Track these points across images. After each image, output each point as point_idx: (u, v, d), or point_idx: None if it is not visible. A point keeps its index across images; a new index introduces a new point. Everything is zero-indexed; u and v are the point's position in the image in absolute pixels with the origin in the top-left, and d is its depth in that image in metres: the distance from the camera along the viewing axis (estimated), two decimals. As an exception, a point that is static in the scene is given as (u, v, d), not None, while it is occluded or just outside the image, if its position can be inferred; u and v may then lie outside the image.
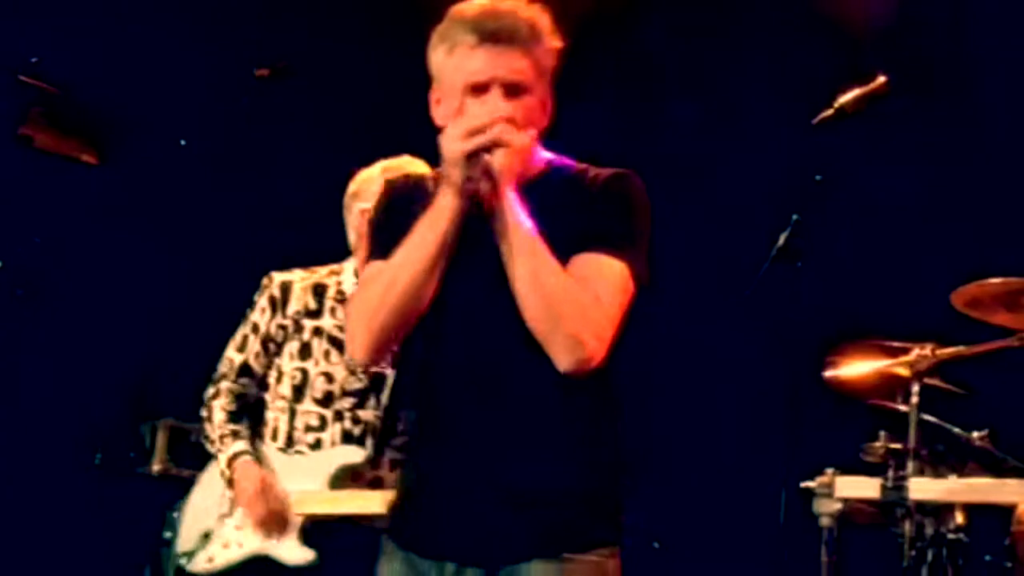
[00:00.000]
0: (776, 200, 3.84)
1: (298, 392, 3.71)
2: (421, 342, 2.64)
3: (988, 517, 3.78)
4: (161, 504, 4.51)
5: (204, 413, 3.78)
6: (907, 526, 3.56)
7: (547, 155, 2.72)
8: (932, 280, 3.92)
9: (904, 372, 3.80)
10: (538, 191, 2.61)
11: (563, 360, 2.52)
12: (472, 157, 2.51)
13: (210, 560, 3.70)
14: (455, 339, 2.60)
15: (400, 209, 2.66)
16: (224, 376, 3.80)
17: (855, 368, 3.97)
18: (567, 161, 2.73)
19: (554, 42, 2.66)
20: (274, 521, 3.60)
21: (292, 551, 3.59)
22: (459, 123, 2.54)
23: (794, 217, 3.70)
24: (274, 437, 3.72)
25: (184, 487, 4.05)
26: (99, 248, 5.34)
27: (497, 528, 2.55)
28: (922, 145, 5.14)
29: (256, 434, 3.77)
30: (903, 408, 3.77)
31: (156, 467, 5.00)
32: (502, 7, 2.62)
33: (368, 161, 3.82)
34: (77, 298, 5.31)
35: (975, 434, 3.83)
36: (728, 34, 5.44)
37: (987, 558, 3.85)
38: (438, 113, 2.66)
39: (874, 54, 3.62)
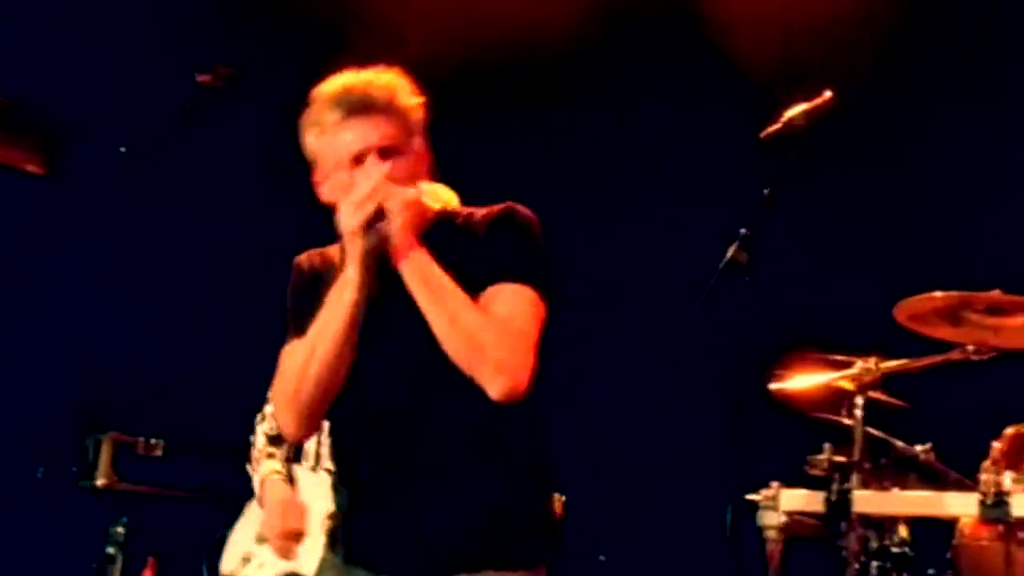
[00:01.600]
0: (724, 214, 3.85)
1: None
2: (351, 390, 2.75)
3: (931, 530, 3.81)
4: (105, 519, 4.47)
5: (251, 438, 3.83)
6: (851, 539, 3.58)
7: (433, 207, 2.84)
8: (877, 294, 3.94)
9: (848, 385, 3.83)
10: (430, 241, 2.75)
11: (494, 389, 2.66)
12: (368, 227, 2.67)
13: None
14: (381, 385, 2.73)
15: (310, 288, 2.81)
16: (268, 400, 3.83)
17: (800, 381, 3.99)
18: (452, 209, 2.88)
19: (414, 99, 2.82)
20: (290, 537, 3.62)
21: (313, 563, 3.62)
22: (347, 200, 2.70)
23: (742, 231, 3.72)
24: (306, 457, 3.77)
25: (129, 502, 4.02)
26: (44, 259, 5.28)
27: (430, 550, 2.69)
28: (868, 160, 5.18)
29: (296, 456, 3.81)
30: (847, 421, 3.79)
31: (100, 481, 4.96)
32: (358, 80, 2.79)
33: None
34: (20, 310, 5.26)
35: (918, 447, 3.86)
36: (678, 49, 5.46)
37: (930, 571, 3.88)
38: (323, 192, 2.81)
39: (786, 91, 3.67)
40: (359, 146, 2.74)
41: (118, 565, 4.41)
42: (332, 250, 2.89)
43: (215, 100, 4.58)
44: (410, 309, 2.69)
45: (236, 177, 5.50)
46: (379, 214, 2.68)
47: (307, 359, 2.71)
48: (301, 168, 3.74)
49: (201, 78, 4.63)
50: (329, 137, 2.76)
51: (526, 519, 2.75)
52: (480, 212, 2.84)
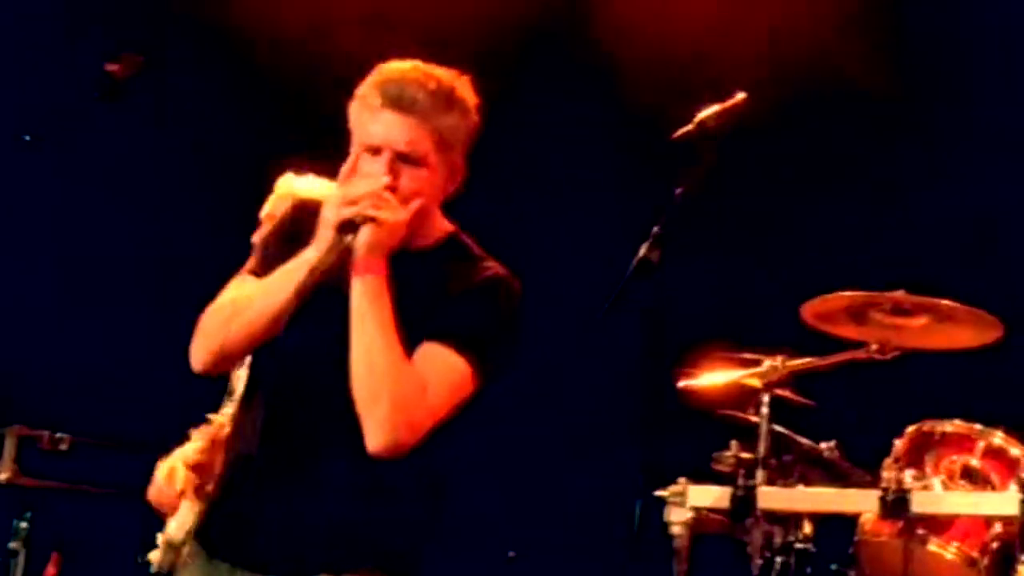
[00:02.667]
0: (637, 213, 3.89)
1: None
2: (262, 365, 2.73)
3: (835, 526, 3.88)
4: (8, 513, 4.40)
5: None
6: (755, 535, 3.63)
7: (448, 226, 2.79)
8: (785, 293, 4.00)
9: (756, 383, 3.87)
10: (427, 261, 2.70)
11: (371, 440, 2.61)
12: (345, 225, 2.60)
13: None
14: (295, 366, 2.68)
15: (294, 235, 2.73)
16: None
17: (708, 379, 4.04)
18: (466, 239, 2.80)
19: (470, 113, 2.71)
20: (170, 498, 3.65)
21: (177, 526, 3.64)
22: (343, 189, 2.63)
23: (654, 230, 3.75)
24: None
25: (33, 497, 3.96)
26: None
27: (296, 548, 2.65)
28: (777, 161, 5.24)
29: None
30: (754, 419, 3.84)
31: (3, 475, 4.88)
32: (417, 74, 2.67)
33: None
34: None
35: (823, 445, 3.92)
36: (587, 48, 5.49)
37: (832, 567, 3.94)
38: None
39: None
40: (379, 140, 2.64)
41: (21, 560, 4.33)
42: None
43: (125, 89, 4.52)
44: (342, 319, 2.63)
45: (145, 170, 5.44)
46: (356, 226, 2.60)
47: (242, 309, 2.66)
48: (208, 162, 3.72)
49: (110, 67, 4.56)
50: (364, 118, 2.66)
51: (402, 533, 2.71)
52: (484, 264, 2.74)
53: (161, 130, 5.46)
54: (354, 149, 2.69)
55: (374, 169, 2.63)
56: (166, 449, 4.00)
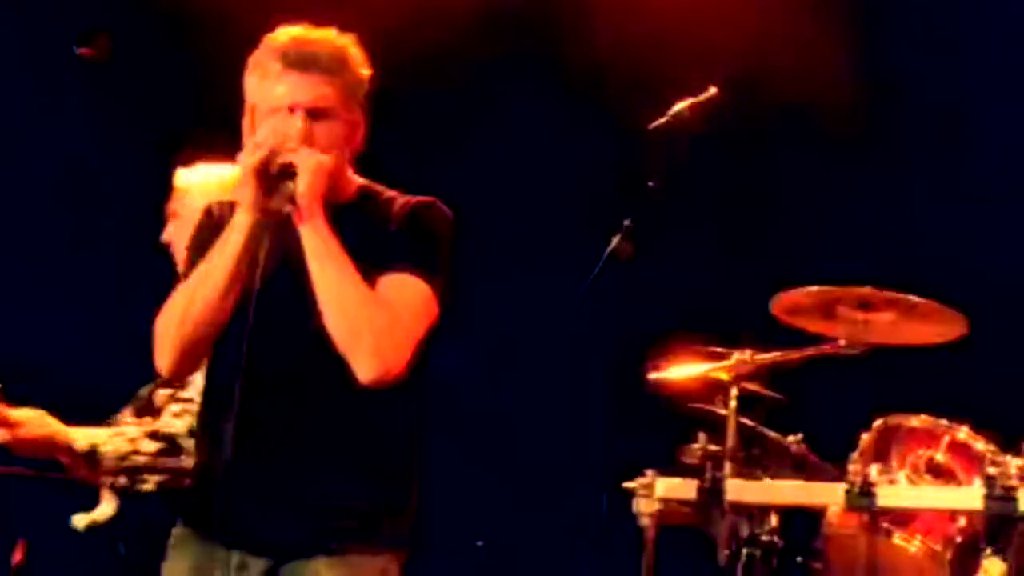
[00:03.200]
0: (609, 205, 3.90)
1: None
2: (228, 348, 2.72)
3: (801, 519, 3.90)
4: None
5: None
6: (722, 526, 3.65)
7: (359, 180, 2.86)
8: (755, 287, 4.02)
9: (724, 376, 3.90)
10: (348, 215, 2.74)
11: (362, 372, 2.66)
12: (276, 180, 2.64)
13: None
14: (258, 344, 2.69)
15: (213, 234, 2.77)
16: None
17: (677, 371, 4.05)
18: (378, 187, 2.86)
19: (363, 69, 2.80)
20: None
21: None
22: (249, 142, 2.69)
23: (625, 222, 3.77)
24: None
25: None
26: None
27: (284, 525, 2.69)
28: (749, 155, 5.27)
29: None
30: (722, 411, 3.86)
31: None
32: (311, 36, 2.76)
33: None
34: None
35: (790, 438, 3.95)
36: (563, 38, 5.49)
37: (799, 559, 3.97)
38: (250, 137, 2.76)
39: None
40: (290, 100, 2.70)
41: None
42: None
43: (97, 71, 4.50)
44: (302, 278, 2.67)
45: (102, 156, 5.41)
46: (291, 174, 2.64)
47: (191, 297, 2.69)
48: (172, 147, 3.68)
49: (82, 50, 4.53)
50: (267, 84, 2.72)
51: (383, 507, 2.74)
52: (402, 199, 2.82)
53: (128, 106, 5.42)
54: (260, 121, 2.73)
55: (287, 126, 2.69)
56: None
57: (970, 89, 5.07)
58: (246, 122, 2.77)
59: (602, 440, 4.23)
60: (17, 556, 4.38)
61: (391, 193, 2.85)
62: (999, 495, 3.06)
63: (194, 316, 2.68)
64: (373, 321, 2.65)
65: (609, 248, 3.78)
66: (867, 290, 3.77)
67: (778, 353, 3.91)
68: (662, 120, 3.78)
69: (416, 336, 2.72)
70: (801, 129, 5.19)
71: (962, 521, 3.63)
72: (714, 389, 3.98)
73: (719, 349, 3.96)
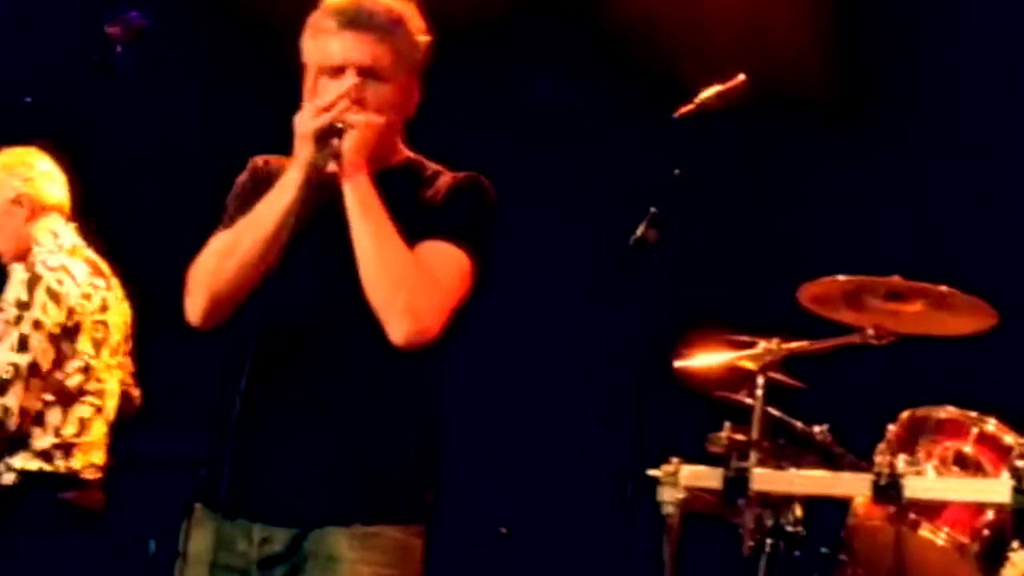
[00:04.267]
0: (635, 192, 3.89)
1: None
2: (253, 309, 2.68)
3: (826, 510, 3.88)
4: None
5: None
6: (747, 516, 3.63)
7: (409, 152, 2.84)
8: (782, 275, 4.00)
9: (750, 365, 3.87)
10: (393, 182, 2.71)
11: (398, 330, 2.63)
12: (323, 138, 2.62)
13: None
14: (286, 310, 2.66)
15: (258, 188, 2.74)
16: None
17: (704, 360, 4.04)
18: (424, 160, 2.85)
19: (420, 36, 2.77)
20: None
21: None
22: (309, 103, 2.66)
23: (652, 209, 3.75)
24: None
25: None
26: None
27: (305, 494, 2.66)
28: (777, 142, 5.24)
29: None
30: (748, 401, 3.84)
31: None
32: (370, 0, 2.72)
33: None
34: None
35: (816, 428, 3.92)
36: (590, 25, 5.48)
37: (823, 550, 3.95)
38: (306, 99, 2.73)
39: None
40: (340, 59, 2.69)
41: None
42: (286, 162, 2.79)
43: (126, 52, 4.50)
44: (340, 236, 2.65)
45: (147, 144, 5.43)
46: (338, 131, 2.63)
47: (231, 248, 2.66)
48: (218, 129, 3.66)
49: (110, 29, 4.54)
50: (321, 42, 2.71)
51: (405, 475, 2.71)
52: (447, 173, 2.81)
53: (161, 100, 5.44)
54: (314, 79, 2.72)
55: (340, 86, 2.67)
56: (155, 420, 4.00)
57: (1003, 78, 5.04)
58: (306, 83, 2.74)
59: (627, 428, 4.22)
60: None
61: (436, 167, 2.84)
62: (1027, 488, 3.04)
63: (232, 267, 2.65)
64: (411, 280, 2.63)
65: (635, 235, 3.76)
66: (895, 280, 3.73)
67: (805, 343, 3.88)
68: (688, 107, 3.75)
69: (451, 303, 2.69)
70: (833, 117, 5.17)
71: (990, 514, 3.60)
72: (741, 378, 3.96)
73: (746, 338, 3.94)
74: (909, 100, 5.13)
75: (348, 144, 2.63)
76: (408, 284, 2.62)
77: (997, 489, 3.19)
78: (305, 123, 2.64)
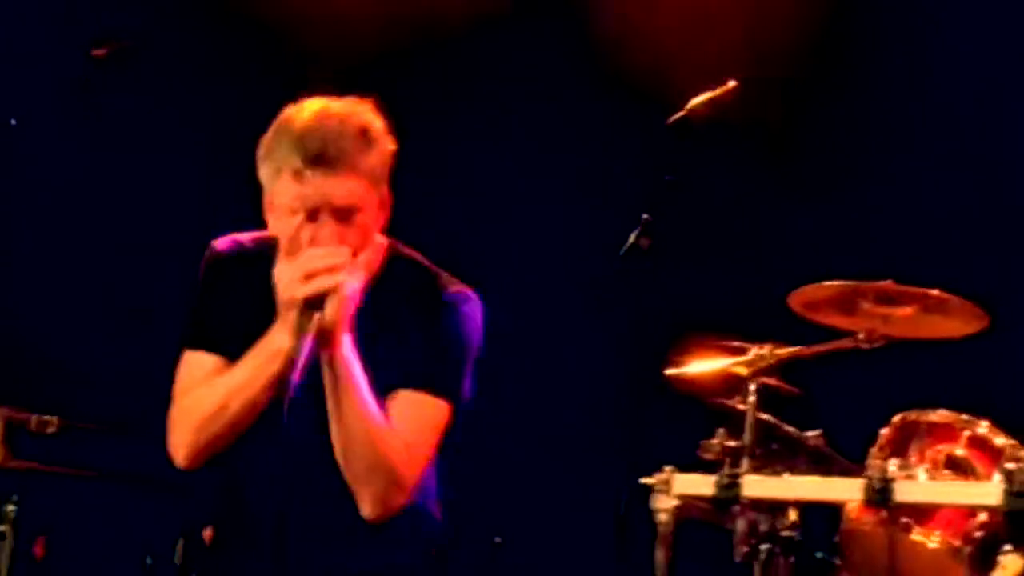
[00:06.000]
0: (628, 199, 3.90)
1: None
2: (239, 449, 2.70)
3: (820, 515, 3.89)
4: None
5: None
6: (741, 522, 3.63)
7: (384, 242, 2.73)
8: (774, 281, 4.01)
9: (743, 371, 3.88)
10: (379, 289, 2.66)
11: (367, 510, 2.64)
12: (309, 306, 2.52)
13: None
14: (274, 449, 2.66)
15: (227, 284, 2.70)
16: None
17: (696, 367, 4.04)
18: (409, 252, 2.75)
19: (387, 145, 2.62)
20: None
21: None
22: (295, 265, 2.52)
23: (644, 216, 3.77)
24: None
25: (20, 479, 3.97)
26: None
27: None
28: (768, 148, 5.25)
29: None
30: (740, 407, 3.85)
31: (-10, 458, 4.88)
32: (329, 118, 2.54)
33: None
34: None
35: (809, 433, 3.93)
36: (581, 32, 5.49)
37: (818, 555, 3.96)
38: (270, 219, 2.64)
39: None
40: (314, 202, 2.53)
41: (8, 543, 4.34)
42: (250, 242, 2.75)
43: (110, 73, 4.51)
44: (317, 391, 2.63)
45: (135, 152, 5.43)
46: (318, 300, 2.52)
47: (220, 409, 2.64)
48: (197, 145, 3.68)
49: (96, 52, 4.54)
50: (285, 182, 2.55)
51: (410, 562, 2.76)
52: (443, 281, 2.72)
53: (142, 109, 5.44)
54: (280, 213, 2.58)
55: (321, 235, 2.54)
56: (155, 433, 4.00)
57: (998, 77, 5.04)
58: (265, 203, 2.64)
59: (621, 436, 4.22)
60: (37, 551, 4.40)
61: (428, 268, 2.73)
62: (1019, 491, 3.04)
63: (219, 426, 2.65)
64: (385, 465, 2.61)
65: (627, 243, 3.77)
66: (887, 284, 3.75)
67: (797, 348, 3.89)
68: (680, 114, 3.77)
69: (424, 465, 2.69)
70: (823, 120, 5.18)
71: (982, 517, 3.61)
72: (733, 384, 3.96)
73: (738, 344, 3.95)
74: (900, 99, 5.14)
75: (330, 315, 2.51)
76: (383, 470, 2.61)
77: (989, 492, 3.19)
78: (292, 290, 2.51)
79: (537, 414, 5.33)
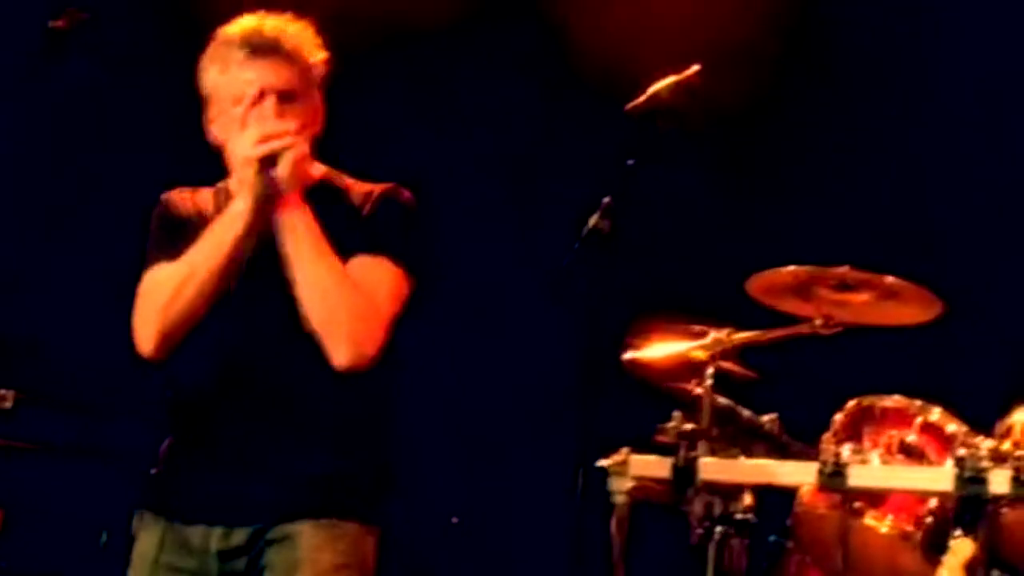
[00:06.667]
0: (588, 183, 3.90)
1: None
2: (201, 337, 2.77)
3: (776, 498, 3.92)
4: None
5: None
6: (697, 505, 3.66)
7: (322, 168, 2.92)
8: (732, 266, 4.03)
9: (700, 355, 3.91)
10: (314, 200, 2.80)
11: (338, 357, 2.72)
12: (265, 166, 2.71)
13: None
14: (231, 331, 2.76)
15: (178, 224, 2.84)
16: None
17: (654, 350, 4.06)
18: (337, 174, 2.94)
19: (319, 54, 2.88)
20: None
21: None
22: (248, 132, 2.74)
23: (604, 200, 3.77)
24: None
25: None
26: None
27: (264, 495, 2.74)
28: (729, 135, 5.27)
29: None
30: (697, 390, 3.87)
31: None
32: (267, 24, 2.84)
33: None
34: None
35: (765, 417, 3.96)
36: (539, 21, 5.48)
37: (771, 538, 3.99)
38: (213, 131, 2.85)
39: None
40: (260, 85, 2.77)
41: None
42: (202, 195, 2.92)
43: (67, 45, 4.47)
44: (273, 261, 2.73)
45: (94, 122, 5.39)
46: (274, 160, 2.71)
47: (186, 279, 2.72)
48: (141, 114, 3.67)
49: (53, 24, 4.50)
50: (231, 74, 2.79)
51: (360, 480, 2.80)
52: (363, 186, 2.89)
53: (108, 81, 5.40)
54: (226, 109, 2.80)
55: (267, 111, 2.75)
56: (110, 408, 3.99)
57: (962, 71, 5.08)
58: (210, 115, 2.84)
59: (578, 417, 4.23)
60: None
61: (350, 180, 2.92)
62: (970, 476, 3.08)
63: (188, 297, 2.72)
64: (350, 307, 2.71)
65: (588, 226, 3.78)
66: (844, 270, 3.78)
67: (754, 333, 3.91)
68: (640, 99, 3.77)
69: (388, 321, 2.78)
70: (783, 107, 5.20)
71: (933, 502, 3.65)
72: (691, 368, 3.99)
73: (696, 328, 3.97)
74: (861, 87, 5.18)
75: (284, 171, 2.71)
76: (347, 311, 2.71)
77: (940, 477, 3.23)
78: (249, 150, 2.71)
79: (494, 395, 5.35)
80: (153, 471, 2.86)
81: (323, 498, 2.75)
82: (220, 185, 2.91)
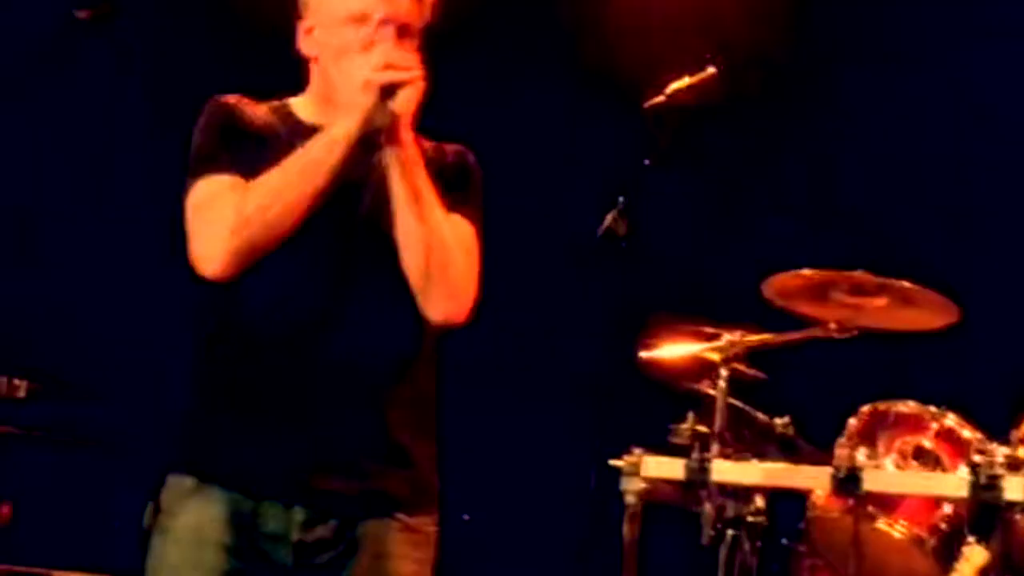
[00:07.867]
0: (605, 182, 3.90)
1: None
2: (259, 281, 2.51)
3: (787, 501, 3.92)
4: None
5: None
6: (708, 507, 3.66)
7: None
8: (748, 269, 4.03)
9: (714, 357, 3.90)
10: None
11: (436, 309, 2.52)
12: (385, 95, 2.46)
13: None
14: (302, 285, 2.51)
15: (243, 133, 2.56)
16: None
17: (668, 351, 4.06)
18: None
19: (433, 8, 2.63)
20: None
21: None
22: (371, 55, 2.48)
23: (620, 199, 3.77)
24: None
25: None
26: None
27: (349, 488, 2.51)
28: (748, 137, 5.27)
29: None
30: (711, 392, 3.87)
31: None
32: None
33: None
34: None
35: (778, 420, 3.96)
36: (558, 18, 5.48)
37: (783, 541, 3.99)
38: (308, 43, 2.60)
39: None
40: (385, 12, 2.52)
41: (-26, 505, 4.33)
42: (260, 109, 2.64)
43: (94, 35, 4.47)
44: (353, 210, 2.52)
45: (112, 111, 5.40)
46: (390, 90, 2.46)
47: (276, 193, 2.44)
48: (175, 105, 3.66)
49: (80, 14, 4.52)
50: None
51: (430, 464, 2.61)
52: (435, 144, 2.68)
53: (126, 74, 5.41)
54: (330, 24, 2.55)
55: (388, 41, 2.51)
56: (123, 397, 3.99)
57: (978, 77, 5.07)
58: (306, 24, 2.59)
59: (592, 417, 4.23)
60: (3, 515, 4.40)
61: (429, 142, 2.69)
62: (984, 483, 3.07)
63: (276, 214, 2.44)
64: (456, 257, 2.52)
65: (603, 226, 3.78)
66: (860, 274, 3.77)
67: (769, 335, 3.91)
68: (659, 99, 3.77)
69: (477, 278, 2.60)
70: (801, 108, 5.20)
71: (947, 508, 3.65)
72: (705, 369, 3.98)
73: (710, 330, 3.96)
74: (878, 89, 5.17)
75: (403, 105, 2.45)
76: (454, 263, 2.51)
77: (954, 483, 3.23)
78: (372, 75, 2.45)
79: (510, 394, 5.34)
80: (193, 424, 2.57)
81: (404, 487, 2.55)
82: (276, 103, 2.64)
